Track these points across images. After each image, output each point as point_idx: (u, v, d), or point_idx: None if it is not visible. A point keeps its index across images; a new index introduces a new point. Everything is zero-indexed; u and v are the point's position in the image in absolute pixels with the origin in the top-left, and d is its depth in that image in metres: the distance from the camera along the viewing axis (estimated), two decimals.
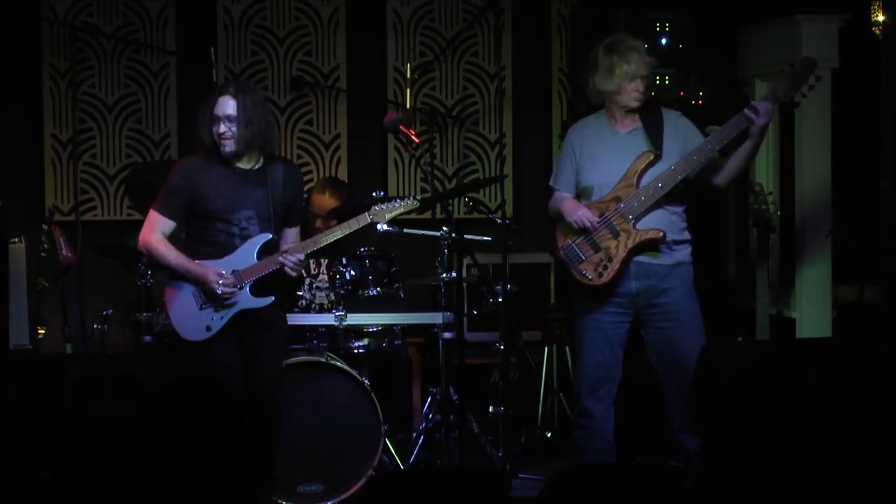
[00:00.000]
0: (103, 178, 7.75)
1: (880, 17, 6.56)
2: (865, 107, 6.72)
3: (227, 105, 5.59)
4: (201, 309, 5.68)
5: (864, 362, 4.71)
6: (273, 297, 5.75)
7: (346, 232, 5.81)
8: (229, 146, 5.62)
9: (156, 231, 5.70)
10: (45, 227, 6.71)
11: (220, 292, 5.63)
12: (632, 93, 5.83)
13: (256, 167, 5.71)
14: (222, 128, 5.59)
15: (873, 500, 4.06)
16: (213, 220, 5.68)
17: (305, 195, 6.72)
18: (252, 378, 5.71)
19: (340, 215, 6.73)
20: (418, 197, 5.97)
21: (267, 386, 5.77)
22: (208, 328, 5.67)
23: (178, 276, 5.71)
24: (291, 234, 5.84)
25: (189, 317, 5.69)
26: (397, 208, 5.84)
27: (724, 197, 7.26)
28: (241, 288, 5.67)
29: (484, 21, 7.87)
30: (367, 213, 5.81)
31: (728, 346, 6.25)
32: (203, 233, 5.71)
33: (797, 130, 6.85)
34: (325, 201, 6.93)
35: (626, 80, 5.81)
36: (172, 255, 5.69)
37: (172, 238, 5.74)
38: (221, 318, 5.68)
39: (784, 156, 7.05)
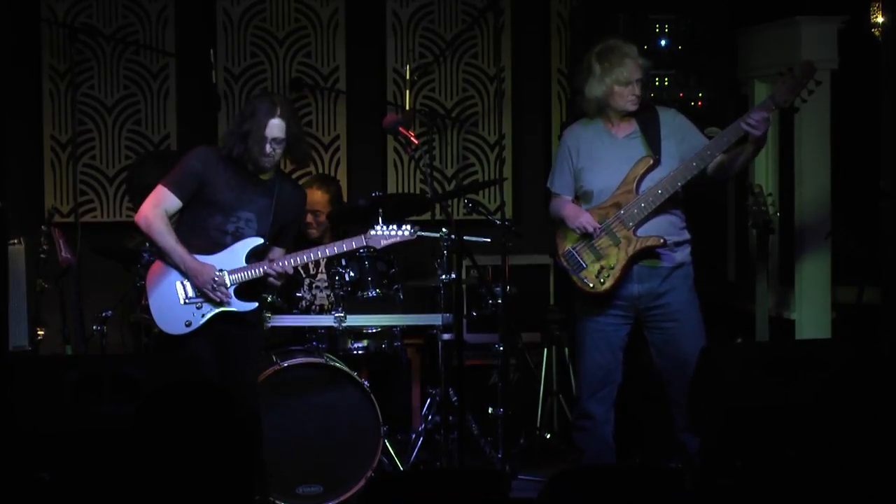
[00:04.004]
0: (103, 180, 7.74)
1: (879, 19, 6.56)
2: (865, 108, 6.72)
3: (278, 128, 5.61)
4: (184, 303, 5.67)
5: (863, 363, 4.71)
6: (257, 304, 5.76)
7: (338, 251, 5.83)
8: (269, 164, 5.65)
9: (160, 207, 5.66)
10: (44, 228, 6.71)
11: (213, 296, 5.63)
12: (627, 97, 5.83)
13: (268, 178, 5.72)
14: (268, 149, 5.61)
15: (873, 501, 4.06)
16: (214, 211, 5.67)
17: None
18: (228, 379, 5.68)
19: (337, 218, 6.75)
20: (419, 230, 5.94)
21: (244, 388, 5.75)
22: (188, 324, 5.66)
23: (165, 261, 5.69)
24: (278, 253, 5.83)
25: (169, 308, 5.67)
26: (394, 238, 5.83)
27: (723, 198, 7.26)
28: (226, 288, 5.67)
29: (483, 22, 7.87)
30: (362, 236, 5.82)
31: (728, 347, 6.25)
32: (196, 222, 5.70)
33: (797, 132, 6.85)
34: (315, 196, 6.91)
35: (620, 85, 5.80)
36: (172, 241, 5.65)
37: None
38: (203, 315, 5.68)
39: (783, 157, 7.05)
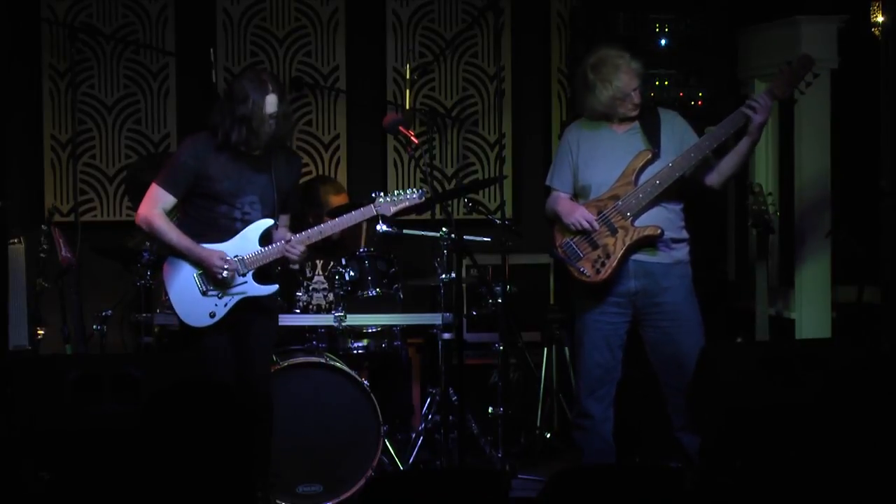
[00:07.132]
0: (103, 179, 7.74)
1: (879, 18, 6.56)
2: (865, 107, 6.72)
3: (273, 103, 5.59)
4: (205, 294, 5.67)
5: (863, 363, 4.71)
6: (277, 286, 5.76)
7: (351, 223, 5.80)
8: (267, 138, 5.62)
9: (157, 207, 5.66)
10: (44, 227, 6.71)
11: (223, 276, 5.61)
12: (627, 105, 5.85)
13: (260, 152, 5.69)
14: (267, 127, 5.60)
15: (873, 501, 4.07)
16: (216, 202, 5.66)
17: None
18: (244, 367, 5.70)
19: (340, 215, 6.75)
20: (425, 189, 5.92)
21: (259, 376, 5.76)
22: (212, 315, 5.66)
23: (177, 255, 5.69)
24: (284, 220, 5.84)
25: (191, 301, 5.67)
26: (402, 202, 5.81)
27: (723, 197, 7.26)
28: (244, 275, 5.67)
29: (483, 22, 7.87)
30: (371, 205, 5.79)
31: (727, 346, 6.25)
32: (202, 214, 5.69)
33: (797, 131, 6.85)
34: (341, 199, 6.95)
35: (619, 98, 5.82)
36: (174, 235, 5.65)
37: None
38: (226, 304, 5.67)
39: (783, 156, 7.05)
